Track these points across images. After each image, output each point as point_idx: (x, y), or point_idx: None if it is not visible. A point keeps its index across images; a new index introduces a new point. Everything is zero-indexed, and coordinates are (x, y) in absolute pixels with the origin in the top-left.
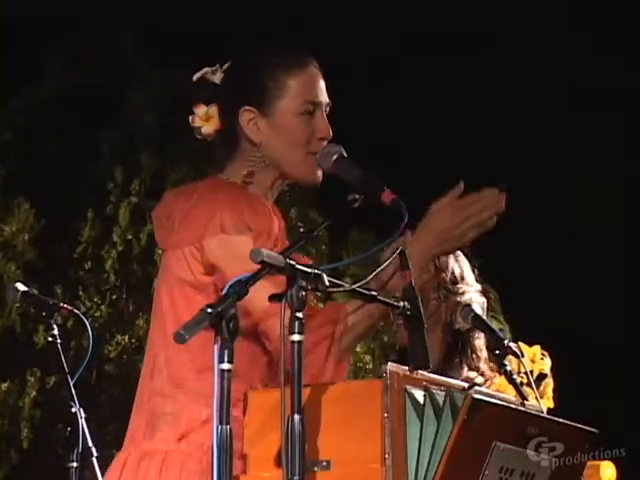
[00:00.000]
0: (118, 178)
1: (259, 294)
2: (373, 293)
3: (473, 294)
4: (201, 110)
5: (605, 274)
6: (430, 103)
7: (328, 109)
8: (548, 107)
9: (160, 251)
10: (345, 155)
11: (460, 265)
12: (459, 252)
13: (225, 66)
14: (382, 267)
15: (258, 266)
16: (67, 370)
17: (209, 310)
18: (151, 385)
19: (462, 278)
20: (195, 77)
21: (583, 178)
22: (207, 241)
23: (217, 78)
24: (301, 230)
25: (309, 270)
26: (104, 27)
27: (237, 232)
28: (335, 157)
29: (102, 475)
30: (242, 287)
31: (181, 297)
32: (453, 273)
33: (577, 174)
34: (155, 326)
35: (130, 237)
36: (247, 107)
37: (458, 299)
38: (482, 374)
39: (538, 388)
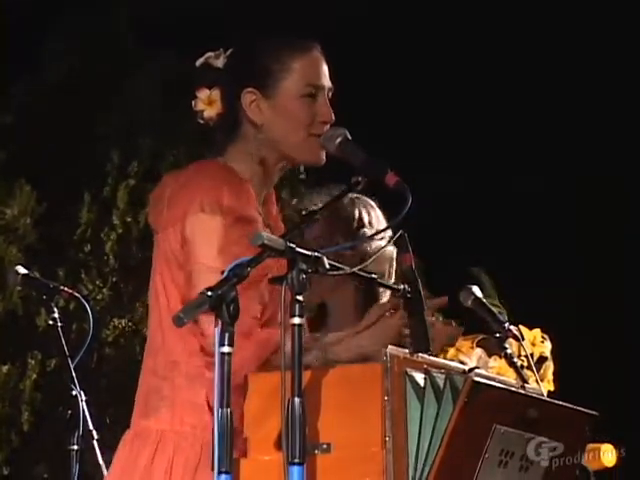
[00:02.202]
0: (115, 160)
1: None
2: (373, 276)
3: (383, 242)
4: (204, 94)
5: (605, 257)
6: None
7: (331, 94)
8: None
9: None
10: (349, 138)
11: (369, 212)
12: (371, 202)
13: (229, 51)
14: (380, 250)
15: (219, 248)
16: (67, 353)
17: (209, 293)
18: (149, 367)
19: (370, 224)
20: (198, 62)
21: (582, 168)
22: (187, 220)
23: (220, 62)
24: (302, 213)
25: (309, 253)
26: (104, 12)
27: (213, 213)
28: (339, 140)
29: (102, 458)
30: (242, 270)
31: (170, 279)
32: (360, 219)
33: (577, 165)
34: (151, 309)
35: (129, 219)
36: (249, 89)
37: (366, 246)
38: None
39: (538, 371)
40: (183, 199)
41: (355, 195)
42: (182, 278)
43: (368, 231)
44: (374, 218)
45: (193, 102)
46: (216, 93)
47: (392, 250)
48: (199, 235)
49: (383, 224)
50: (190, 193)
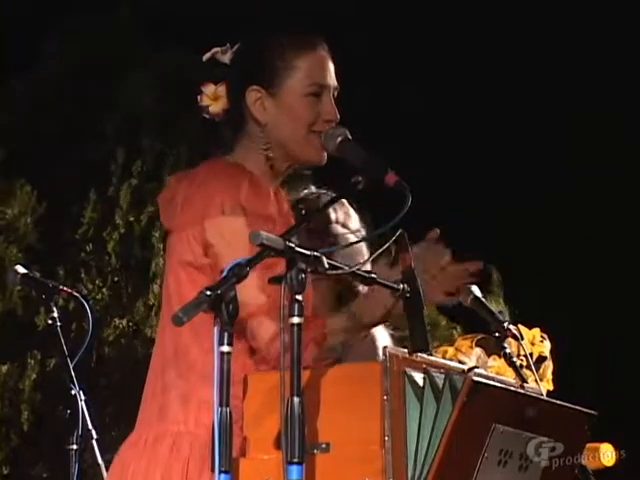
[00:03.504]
0: (120, 159)
1: (250, 289)
2: (372, 275)
3: (349, 235)
4: (209, 89)
5: (604, 258)
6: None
7: (336, 93)
8: None
9: (157, 234)
10: (349, 137)
11: (336, 209)
12: (345, 202)
13: (235, 47)
14: (382, 249)
15: (248, 248)
16: (67, 353)
17: (208, 293)
18: (158, 367)
19: (337, 222)
20: (205, 57)
21: (584, 169)
22: (208, 222)
23: (227, 58)
24: (302, 212)
25: (308, 252)
26: (105, 8)
27: (235, 214)
28: (339, 139)
29: (102, 457)
30: (242, 270)
31: (186, 280)
32: (326, 216)
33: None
34: (165, 310)
35: (132, 219)
36: (254, 87)
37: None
38: None
39: (537, 371)
40: (200, 200)
41: (323, 191)
42: (203, 280)
43: (338, 227)
44: (341, 214)
45: (199, 97)
46: (222, 89)
47: (362, 246)
48: (223, 238)
49: (354, 220)
50: (207, 194)
